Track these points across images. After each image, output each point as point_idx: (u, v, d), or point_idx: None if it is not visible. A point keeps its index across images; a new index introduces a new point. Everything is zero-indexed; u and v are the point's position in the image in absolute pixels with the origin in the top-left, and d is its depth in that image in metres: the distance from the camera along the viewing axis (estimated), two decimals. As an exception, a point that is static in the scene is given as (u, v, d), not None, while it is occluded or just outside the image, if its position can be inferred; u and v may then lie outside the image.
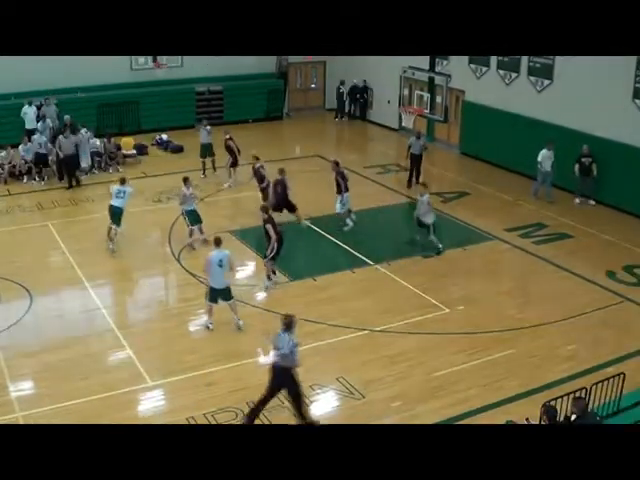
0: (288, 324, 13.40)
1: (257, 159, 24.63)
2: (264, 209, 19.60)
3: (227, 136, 27.48)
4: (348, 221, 22.91)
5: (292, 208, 23.11)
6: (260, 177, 24.10)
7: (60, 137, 26.97)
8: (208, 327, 17.43)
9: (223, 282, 17.21)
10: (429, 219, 21.38)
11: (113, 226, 21.34)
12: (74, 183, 26.98)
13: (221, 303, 17.23)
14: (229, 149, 27.31)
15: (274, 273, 19.73)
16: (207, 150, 28.44)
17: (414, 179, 27.59)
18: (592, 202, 25.87)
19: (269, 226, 19.11)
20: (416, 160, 27.53)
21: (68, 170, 27.12)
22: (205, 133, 28.42)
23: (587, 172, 25.50)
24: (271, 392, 13.58)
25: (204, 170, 28.43)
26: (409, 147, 27.55)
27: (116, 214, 21.27)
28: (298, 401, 13.61)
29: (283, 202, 22.85)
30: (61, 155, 26.86)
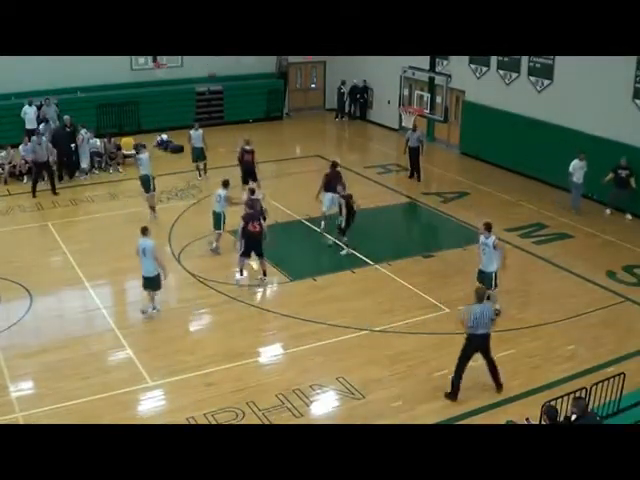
0: (482, 296, 14.95)
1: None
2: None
3: (247, 147, 25.86)
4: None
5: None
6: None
7: (33, 139, 26.89)
8: (144, 312, 17.95)
9: (148, 270, 17.70)
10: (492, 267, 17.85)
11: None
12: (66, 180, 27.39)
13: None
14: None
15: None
16: (199, 154, 28.27)
17: (415, 173, 28.50)
18: (629, 216, 24.82)
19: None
20: (414, 153, 28.34)
21: (36, 177, 26.59)
22: (197, 136, 28.15)
23: (623, 184, 24.39)
24: (468, 357, 14.82)
25: (200, 173, 28.45)
26: (407, 141, 28.38)
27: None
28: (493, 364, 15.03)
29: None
30: (29, 160, 27.01)
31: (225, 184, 21.23)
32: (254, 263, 19.99)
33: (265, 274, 19.65)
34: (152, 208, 23.85)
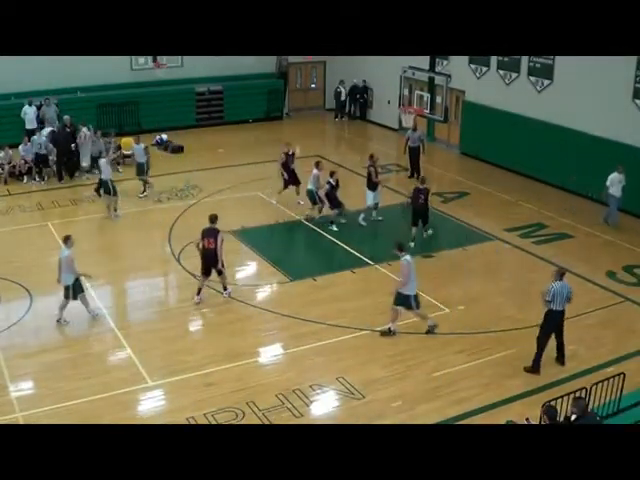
0: (562, 274, 15.85)
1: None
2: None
3: (290, 151, 25.59)
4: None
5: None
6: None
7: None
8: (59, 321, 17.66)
9: (63, 280, 17.54)
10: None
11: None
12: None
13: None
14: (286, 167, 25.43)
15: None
16: (140, 169, 26.47)
17: (415, 173, 28.40)
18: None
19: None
20: (414, 153, 28.52)
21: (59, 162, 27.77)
22: (138, 150, 26.50)
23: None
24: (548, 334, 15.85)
25: (144, 188, 26.54)
26: (407, 140, 28.52)
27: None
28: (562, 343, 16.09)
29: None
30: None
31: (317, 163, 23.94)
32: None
33: (225, 288, 19.02)
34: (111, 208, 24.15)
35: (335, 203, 23.36)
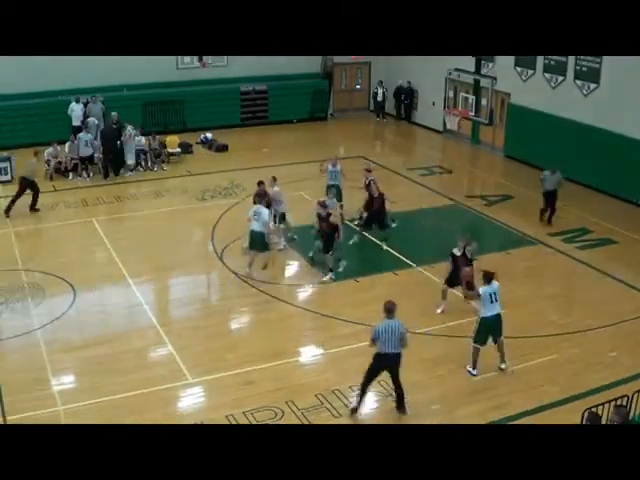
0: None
1: (369, 172, 23.58)
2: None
3: (370, 177, 23.13)
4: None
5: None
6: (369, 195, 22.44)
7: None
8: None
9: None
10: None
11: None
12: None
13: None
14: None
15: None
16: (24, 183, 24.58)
17: (547, 216, 24.35)
18: None
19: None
20: (550, 196, 24.14)
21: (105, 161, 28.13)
22: (32, 162, 24.93)
23: None
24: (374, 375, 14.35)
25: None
26: (542, 181, 24.32)
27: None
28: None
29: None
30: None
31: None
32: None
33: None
34: None
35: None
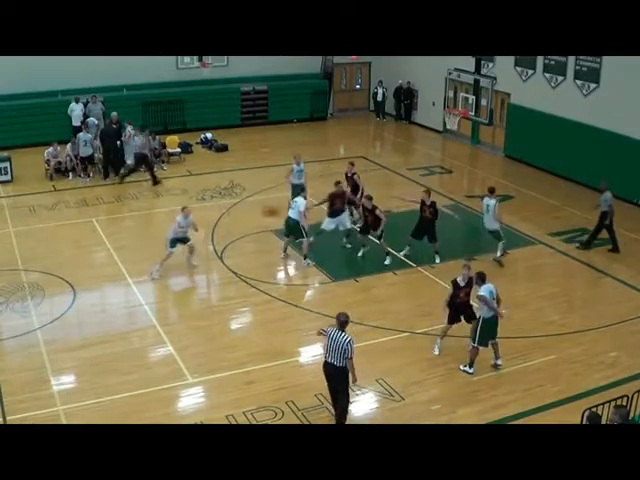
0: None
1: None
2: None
3: (353, 171, 23.47)
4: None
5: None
6: (353, 185, 22.91)
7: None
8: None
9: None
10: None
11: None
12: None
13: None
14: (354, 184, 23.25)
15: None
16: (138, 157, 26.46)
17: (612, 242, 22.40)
18: None
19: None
20: (604, 217, 22.10)
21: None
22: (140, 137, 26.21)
23: None
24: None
25: None
26: (598, 205, 22.29)
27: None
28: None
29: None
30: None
31: None
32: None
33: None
34: None
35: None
